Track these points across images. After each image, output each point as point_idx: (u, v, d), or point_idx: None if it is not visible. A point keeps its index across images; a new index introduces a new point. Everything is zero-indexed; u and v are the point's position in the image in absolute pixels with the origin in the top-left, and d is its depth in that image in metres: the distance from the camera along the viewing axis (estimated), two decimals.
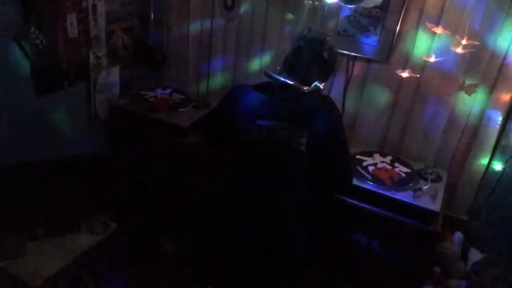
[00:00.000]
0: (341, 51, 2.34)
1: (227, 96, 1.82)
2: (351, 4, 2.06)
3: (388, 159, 2.27)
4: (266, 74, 1.69)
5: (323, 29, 1.87)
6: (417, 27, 2.20)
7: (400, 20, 2.19)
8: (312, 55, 1.64)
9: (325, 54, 1.64)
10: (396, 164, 2.23)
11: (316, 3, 2.31)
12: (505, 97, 2.13)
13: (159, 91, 2.77)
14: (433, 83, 2.25)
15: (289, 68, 1.66)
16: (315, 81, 1.66)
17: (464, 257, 2.29)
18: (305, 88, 1.63)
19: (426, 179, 2.14)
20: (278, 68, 1.72)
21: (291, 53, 1.69)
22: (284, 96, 1.65)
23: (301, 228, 1.81)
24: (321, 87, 1.70)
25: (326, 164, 1.72)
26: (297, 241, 1.82)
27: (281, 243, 1.79)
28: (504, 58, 2.08)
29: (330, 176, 1.79)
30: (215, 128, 1.91)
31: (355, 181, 2.06)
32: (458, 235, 2.29)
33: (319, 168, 1.72)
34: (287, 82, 1.63)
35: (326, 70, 1.70)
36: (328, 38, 1.69)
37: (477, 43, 1.98)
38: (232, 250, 1.85)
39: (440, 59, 2.09)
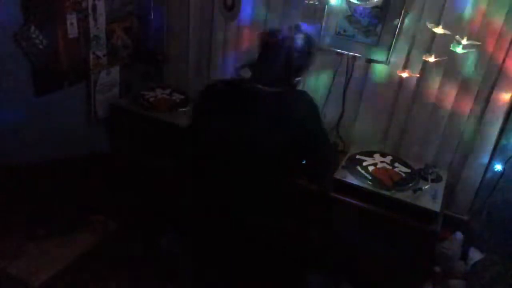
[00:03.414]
0: (341, 51, 2.34)
1: (200, 95, 1.77)
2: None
3: (388, 159, 2.27)
4: (239, 78, 1.66)
5: (299, 26, 1.79)
6: (417, 27, 2.20)
7: (400, 20, 2.19)
8: (287, 58, 1.59)
9: (301, 55, 1.61)
10: (396, 164, 2.23)
11: (316, 3, 2.31)
12: (505, 97, 2.13)
13: (159, 91, 2.77)
14: (433, 83, 2.25)
15: (262, 69, 1.63)
16: (290, 79, 1.64)
17: (464, 257, 2.29)
18: (279, 90, 1.60)
19: (426, 179, 2.14)
20: (250, 64, 1.67)
21: (264, 56, 1.64)
22: (259, 97, 1.61)
23: (292, 222, 1.81)
24: (298, 82, 1.69)
25: (306, 158, 1.68)
26: (289, 235, 1.82)
27: (274, 239, 1.78)
28: (504, 58, 2.08)
29: (310, 169, 1.74)
30: (191, 129, 1.88)
31: (355, 181, 2.07)
32: (458, 235, 2.29)
33: (300, 164, 1.69)
34: (259, 88, 1.59)
35: (303, 68, 1.67)
36: (303, 35, 1.63)
37: (477, 43, 1.99)
38: (225, 252, 1.84)
39: (440, 59, 2.10)
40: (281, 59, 1.59)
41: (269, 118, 1.60)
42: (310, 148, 1.65)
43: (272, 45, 1.61)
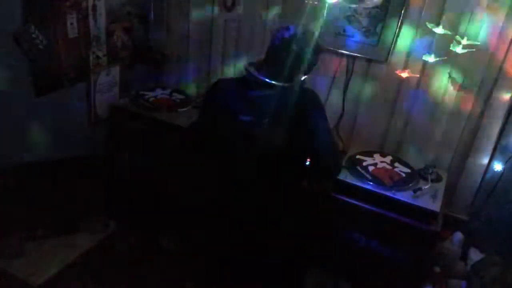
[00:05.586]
0: (341, 51, 2.34)
1: (210, 90, 1.82)
2: (353, 4, 2.08)
3: (388, 159, 2.27)
4: (247, 72, 1.70)
5: (308, 26, 1.83)
6: (417, 27, 2.20)
7: (400, 20, 2.19)
8: (294, 55, 1.63)
9: (308, 54, 1.65)
10: (396, 164, 2.23)
11: (316, 3, 2.31)
12: (505, 97, 2.13)
13: (159, 91, 2.77)
14: (433, 83, 2.25)
15: (270, 65, 1.68)
16: (297, 76, 1.68)
17: (464, 257, 2.29)
18: (286, 85, 1.65)
19: (426, 179, 2.14)
20: (258, 61, 1.73)
21: (273, 52, 1.69)
22: (266, 92, 1.66)
23: (292, 221, 1.82)
24: (304, 80, 1.72)
25: (314, 155, 1.74)
26: (289, 234, 1.83)
27: (273, 238, 1.79)
28: (504, 58, 2.08)
29: (318, 167, 1.79)
30: (201, 124, 1.91)
31: (355, 181, 2.07)
32: (458, 235, 2.29)
33: (306, 160, 1.73)
34: (266, 81, 1.65)
35: (309, 67, 1.71)
36: (311, 35, 1.68)
37: (477, 43, 1.98)
38: (226, 249, 1.85)
39: (440, 59, 2.09)
40: (289, 57, 1.63)
41: (278, 110, 1.65)
42: (315, 134, 1.71)
43: (281, 43, 1.65)
